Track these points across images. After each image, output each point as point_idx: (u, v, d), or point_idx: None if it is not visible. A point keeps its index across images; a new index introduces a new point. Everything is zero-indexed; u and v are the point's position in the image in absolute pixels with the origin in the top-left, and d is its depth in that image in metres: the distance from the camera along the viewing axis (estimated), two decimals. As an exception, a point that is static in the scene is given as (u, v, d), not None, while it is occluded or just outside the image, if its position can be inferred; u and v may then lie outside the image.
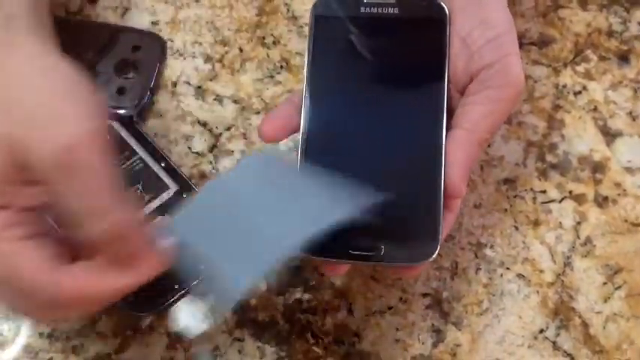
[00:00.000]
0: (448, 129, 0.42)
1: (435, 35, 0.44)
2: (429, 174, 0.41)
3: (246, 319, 0.47)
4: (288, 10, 0.56)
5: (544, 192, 0.51)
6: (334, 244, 0.39)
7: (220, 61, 0.55)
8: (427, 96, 0.43)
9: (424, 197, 0.41)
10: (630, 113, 0.54)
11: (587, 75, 0.55)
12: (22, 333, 0.46)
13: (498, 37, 0.44)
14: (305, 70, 0.43)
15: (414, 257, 0.41)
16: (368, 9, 0.44)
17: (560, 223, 0.50)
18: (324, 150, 0.42)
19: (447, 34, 0.44)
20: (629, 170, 0.52)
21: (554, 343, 0.47)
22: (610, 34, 0.57)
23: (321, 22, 0.44)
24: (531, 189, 0.51)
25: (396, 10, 0.44)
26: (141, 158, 0.50)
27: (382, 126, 0.43)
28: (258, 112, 0.53)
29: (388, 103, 0.43)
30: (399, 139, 0.43)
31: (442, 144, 0.42)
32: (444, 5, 0.44)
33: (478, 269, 0.49)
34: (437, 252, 0.40)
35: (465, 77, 0.44)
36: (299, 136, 0.43)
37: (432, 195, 0.41)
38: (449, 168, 0.41)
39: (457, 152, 0.42)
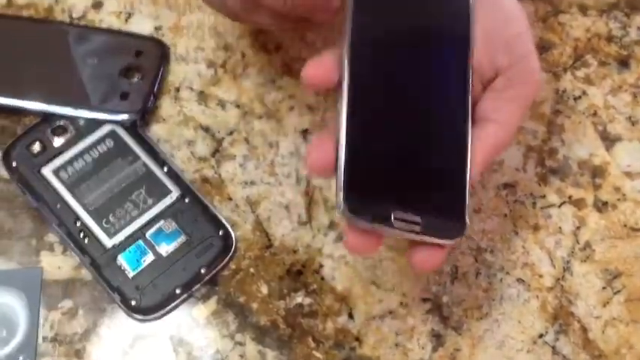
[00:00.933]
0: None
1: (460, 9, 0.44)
2: (457, 152, 0.42)
3: (248, 323, 0.48)
4: (289, 16, 0.56)
5: (544, 197, 0.51)
6: (377, 209, 0.40)
7: (223, 66, 0.55)
8: (454, 74, 0.43)
9: (454, 175, 0.42)
10: (630, 118, 0.54)
11: (587, 80, 0.55)
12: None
13: (522, 34, 0.45)
14: (347, 28, 0.42)
15: (447, 234, 0.41)
16: None
17: (560, 227, 0.51)
18: (368, 109, 0.42)
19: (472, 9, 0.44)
20: (628, 175, 0.52)
21: (553, 347, 0.47)
22: (610, 39, 0.57)
23: None
24: (531, 194, 0.52)
25: None
26: (144, 163, 0.51)
27: (419, 97, 0.43)
28: (260, 117, 0.54)
29: (423, 75, 0.43)
30: (434, 114, 0.43)
31: (468, 121, 0.43)
32: None
33: (478, 274, 0.49)
34: (466, 230, 0.41)
35: (490, 72, 0.44)
36: (342, 98, 0.41)
37: (460, 175, 0.42)
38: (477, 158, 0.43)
39: (488, 145, 0.43)
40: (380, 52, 0.43)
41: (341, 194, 0.39)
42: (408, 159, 0.42)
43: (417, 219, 0.40)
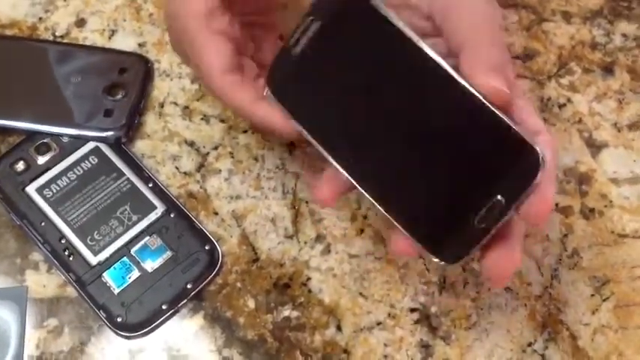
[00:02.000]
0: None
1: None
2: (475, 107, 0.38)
3: (235, 337, 0.47)
4: (273, 29, 0.56)
5: (530, 205, 0.51)
6: (461, 232, 0.39)
7: (207, 81, 0.55)
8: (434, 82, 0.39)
9: (489, 124, 0.38)
10: (615, 124, 0.54)
11: (572, 87, 0.55)
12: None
13: None
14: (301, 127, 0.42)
15: (527, 180, 0.37)
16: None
17: (547, 235, 0.50)
18: (373, 166, 0.41)
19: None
20: (614, 181, 0.52)
21: (542, 356, 0.47)
22: (594, 46, 0.57)
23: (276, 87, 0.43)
24: (518, 202, 0.51)
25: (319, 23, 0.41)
26: (128, 179, 0.51)
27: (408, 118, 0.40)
28: (245, 131, 0.54)
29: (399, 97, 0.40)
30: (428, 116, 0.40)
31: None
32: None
33: (466, 283, 0.49)
34: (541, 161, 0.37)
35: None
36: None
37: (494, 117, 0.38)
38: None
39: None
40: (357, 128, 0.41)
41: (431, 256, 0.39)
42: (434, 169, 0.39)
43: (497, 199, 0.37)
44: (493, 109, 0.38)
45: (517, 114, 0.39)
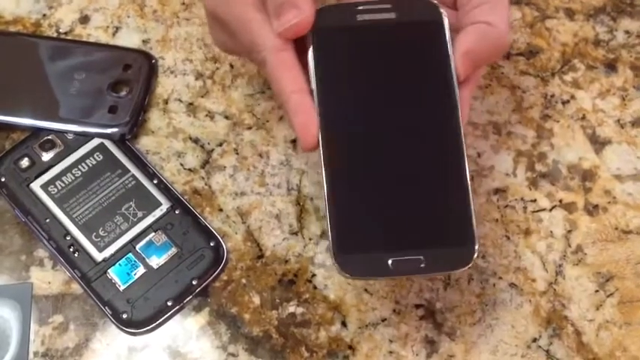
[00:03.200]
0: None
1: (435, 36, 0.43)
2: (455, 177, 0.41)
3: (240, 334, 0.47)
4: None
5: (534, 201, 0.51)
6: (372, 261, 0.40)
7: (211, 77, 0.55)
8: (440, 97, 0.42)
9: (453, 200, 0.41)
10: (618, 121, 0.54)
11: (575, 84, 0.56)
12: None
13: None
14: (314, 85, 0.42)
15: (453, 264, 0.41)
16: (365, 16, 0.43)
17: (551, 231, 0.50)
18: (349, 163, 0.42)
19: (447, 34, 0.43)
20: (618, 178, 0.52)
21: (547, 351, 0.47)
22: (597, 43, 0.57)
23: (320, 35, 0.43)
24: (522, 198, 0.51)
25: (393, 15, 0.43)
26: (133, 176, 0.51)
27: (401, 133, 0.42)
28: (249, 128, 0.54)
29: (404, 110, 0.42)
30: (420, 143, 0.42)
31: (462, 146, 0.41)
32: (438, 4, 0.44)
33: (471, 279, 0.49)
34: (475, 256, 0.40)
35: None
36: (320, 155, 0.42)
37: (462, 197, 0.41)
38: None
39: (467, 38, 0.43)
40: (350, 98, 0.43)
41: (332, 257, 0.40)
42: (397, 200, 0.41)
43: (419, 257, 0.40)
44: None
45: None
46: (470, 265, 0.40)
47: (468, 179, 0.41)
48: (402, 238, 0.41)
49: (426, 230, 0.41)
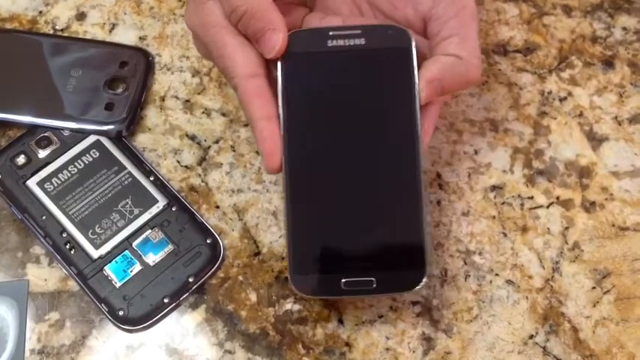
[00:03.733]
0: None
1: (402, 62, 0.44)
2: (409, 202, 0.43)
3: (237, 331, 0.47)
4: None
5: (531, 198, 0.51)
6: (327, 282, 0.43)
7: (208, 74, 0.55)
8: (401, 124, 0.44)
9: (407, 225, 0.43)
10: (616, 118, 0.54)
11: (572, 81, 0.56)
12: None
13: None
14: (281, 110, 0.44)
15: (403, 286, 0.43)
16: (335, 41, 0.45)
17: (548, 228, 0.50)
18: (310, 187, 0.44)
19: (414, 60, 0.44)
20: (615, 175, 0.52)
21: (544, 348, 0.47)
22: (594, 39, 0.57)
23: (289, 60, 0.44)
24: (519, 195, 0.51)
25: (363, 41, 0.44)
26: (130, 173, 0.51)
27: (361, 158, 0.44)
28: (246, 125, 0.54)
29: (366, 136, 0.44)
30: (379, 169, 0.44)
31: (419, 171, 0.43)
32: (408, 31, 0.45)
33: (467, 276, 0.49)
34: (425, 279, 0.43)
35: (418, 22, 0.46)
36: (282, 177, 0.44)
37: (415, 223, 0.43)
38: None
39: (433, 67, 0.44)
40: (315, 124, 0.44)
41: (289, 276, 0.43)
42: (352, 224, 0.43)
43: (371, 279, 0.43)
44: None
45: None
46: (420, 287, 0.43)
47: (423, 203, 0.43)
48: (354, 260, 0.43)
49: (378, 254, 0.43)
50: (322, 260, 0.43)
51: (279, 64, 0.44)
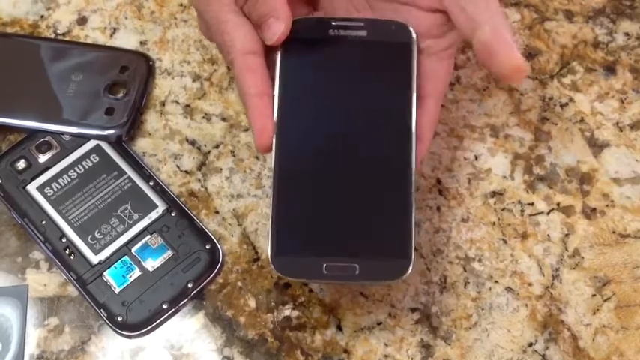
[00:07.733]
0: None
1: (402, 57, 0.44)
2: (399, 190, 0.43)
3: (235, 337, 0.47)
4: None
5: (531, 204, 0.51)
6: (309, 265, 0.42)
7: (208, 79, 0.55)
8: (395, 116, 0.44)
9: (395, 213, 0.43)
10: (617, 124, 0.54)
11: (574, 87, 0.55)
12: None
13: None
14: (276, 91, 0.44)
15: (388, 274, 0.42)
16: (337, 31, 0.45)
17: (548, 235, 0.50)
18: (298, 170, 0.43)
19: (414, 55, 0.44)
20: (616, 181, 0.52)
21: (543, 356, 0.47)
22: (596, 45, 0.57)
23: (290, 45, 0.45)
24: (519, 201, 0.51)
25: (364, 33, 0.45)
26: (129, 178, 0.51)
27: (354, 146, 0.44)
28: (246, 130, 0.54)
29: (359, 125, 0.44)
30: (370, 157, 0.44)
31: (411, 165, 0.43)
32: (410, 28, 0.45)
33: (467, 283, 0.49)
34: (410, 268, 0.42)
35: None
36: (272, 158, 0.43)
37: (403, 211, 0.42)
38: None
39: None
40: (309, 109, 0.44)
41: (269, 255, 0.42)
42: (338, 209, 0.43)
43: (354, 265, 0.42)
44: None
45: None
46: (405, 277, 0.42)
47: (413, 193, 0.42)
48: (338, 245, 0.42)
49: (362, 240, 0.42)
50: (304, 242, 0.42)
51: (279, 47, 0.44)
